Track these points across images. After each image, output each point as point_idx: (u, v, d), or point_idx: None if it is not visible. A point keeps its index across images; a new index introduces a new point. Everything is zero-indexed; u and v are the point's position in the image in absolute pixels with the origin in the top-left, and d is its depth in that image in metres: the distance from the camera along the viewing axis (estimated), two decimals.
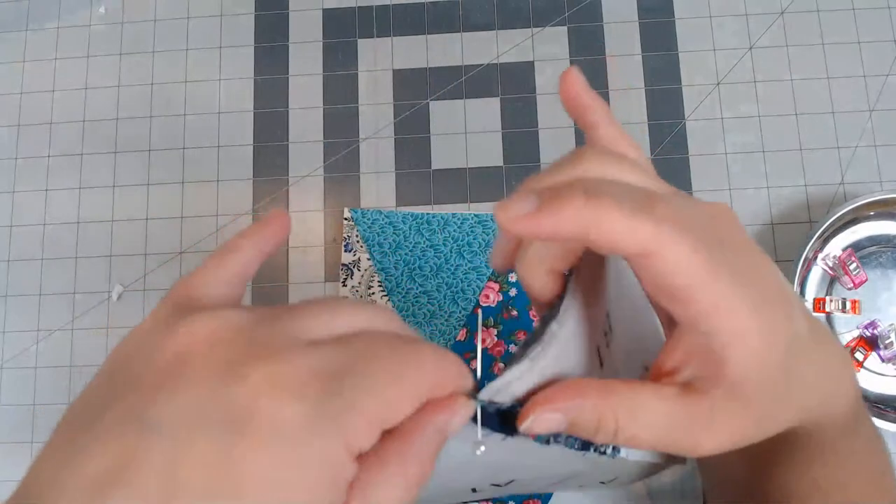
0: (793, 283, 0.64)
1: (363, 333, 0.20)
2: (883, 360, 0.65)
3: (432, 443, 0.19)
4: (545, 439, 0.23)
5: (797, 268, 0.64)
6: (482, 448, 0.21)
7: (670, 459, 0.30)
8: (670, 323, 0.23)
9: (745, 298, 0.20)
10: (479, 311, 0.70)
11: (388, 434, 0.18)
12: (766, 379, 0.21)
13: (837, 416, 0.24)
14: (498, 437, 0.22)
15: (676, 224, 0.19)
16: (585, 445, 0.24)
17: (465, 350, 0.69)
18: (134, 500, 0.14)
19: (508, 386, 0.21)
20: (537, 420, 0.21)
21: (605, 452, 0.25)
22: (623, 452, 0.25)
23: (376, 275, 0.71)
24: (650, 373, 0.23)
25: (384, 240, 0.71)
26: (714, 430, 0.21)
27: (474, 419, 0.20)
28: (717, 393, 0.20)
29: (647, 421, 0.21)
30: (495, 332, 0.69)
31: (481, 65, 0.76)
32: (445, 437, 0.19)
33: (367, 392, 0.17)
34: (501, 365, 0.67)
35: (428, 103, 0.76)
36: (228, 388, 0.16)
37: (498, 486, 0.28)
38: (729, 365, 0.20)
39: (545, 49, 0.76)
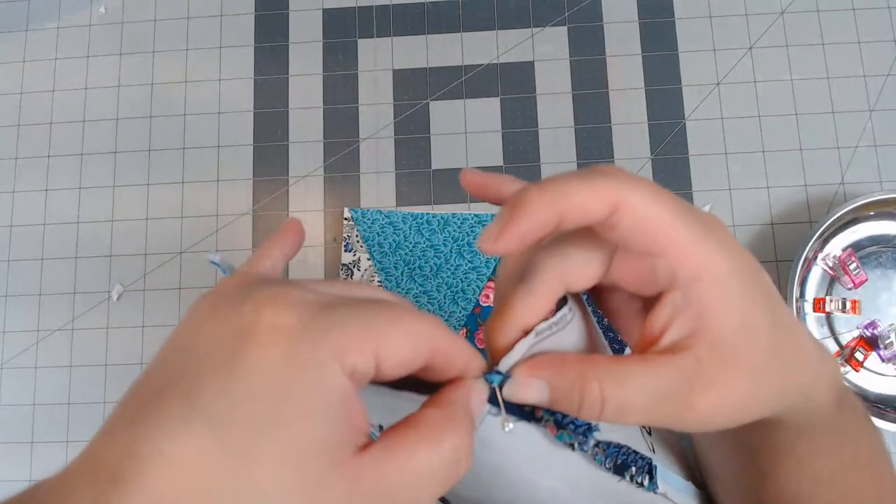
0: (793, 283, 0.64)
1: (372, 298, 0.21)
2: (883, 360, 0.65)
3: (464, 414, 0.20)
4: (569, 443, 0.23)
5: (797, 268, 0.64)
6: (510, 426, 0.21)
7: None
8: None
9: (718, 243, 0.20)
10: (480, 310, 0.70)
11: (426, 404, 0.20)
12: (752, 331, 0.21)
13: (827, 395, 0.25)
14: (521, 424, 0.22)
15: (632, 179, 0.20)
16: (618, 469, 0.24)
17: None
18: (164, 417, 0.16)
19: (513, 360, 0.22)
20: (519, 384, 0.21)
21: (641, 484, 0.24)
22: (661, 488, 0.25)
23: (376, 275, 0.71)
24: (636, 346, 0.22)
25: (384, 240, 0.71)
26: (705, 389, 0.20)
27: (495, 404, 0.21)
28: (703, 348, 0.20)
29: (635, 387, 0.20)
30: None
31: (481, 65, 0.76)
32: (472, 415, 0.20)
33: (357, 318, 0.19)
34: None
35: (428, 103, 0.76)
36: (239, 307, 0.18)
37: None
38: (711, 314, 0.20)
39: (545, 49, 0.76)
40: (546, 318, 0.22)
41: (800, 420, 0.24)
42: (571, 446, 0.23)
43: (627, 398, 0.20)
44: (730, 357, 0.20)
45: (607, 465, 0.23)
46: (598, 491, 0.25)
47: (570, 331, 0.23)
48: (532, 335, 0.22)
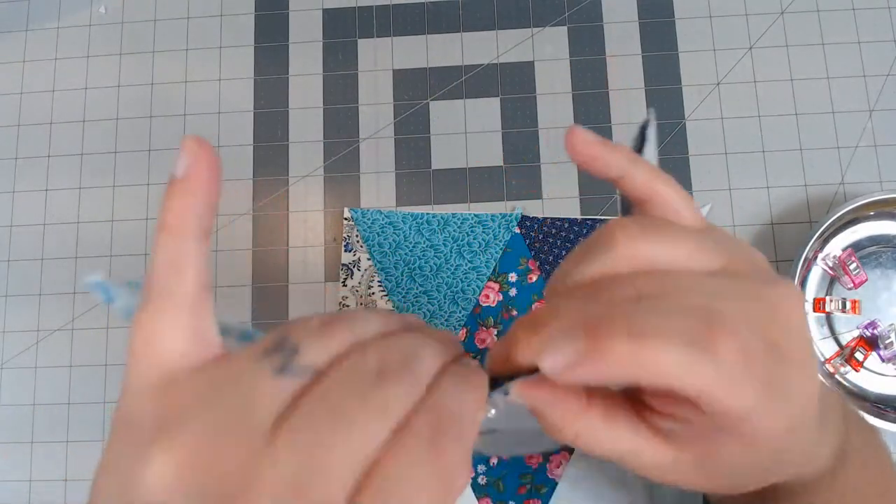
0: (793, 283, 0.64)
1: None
2: (883, 360, 0.65)
3: (467, 430, 0.18)
4: None
5: (797, 268, 0.64)
6: (492, 411, 0.22)
7: None
8: None
9: (779, 412, 0.18)
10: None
11: (414, 413, 0.17)
12: (752, 458, 0.20)
13: (827, 460, 0.24)
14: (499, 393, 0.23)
15: (738, 363, 0.17)
16: None
17: (465, 350, 0.69)
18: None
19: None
20: (514, 392, 0.21)
21: None
22: None
23: (376, 275, 0.71)
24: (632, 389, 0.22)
25: (384, 240, 0.71)
26: (682, 475, 0.21)
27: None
28: (688, 455, 0.20)
29: (608, 447, 0.21)
30: (495, 332, 0.69)
31: (481, 65, 0.76)
32: (475, 431, 0.19)
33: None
34: None
35: (428, 103, 0.76)
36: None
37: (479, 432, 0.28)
38: (720, 442, 0.19)
39: (545, 49, 0.76)
40: None
41: (792, 478, 0.24)
42: None
43: (595, 449, 0.21)
44: (710, 472, 0.20)
45: None
46: None
47: None
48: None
